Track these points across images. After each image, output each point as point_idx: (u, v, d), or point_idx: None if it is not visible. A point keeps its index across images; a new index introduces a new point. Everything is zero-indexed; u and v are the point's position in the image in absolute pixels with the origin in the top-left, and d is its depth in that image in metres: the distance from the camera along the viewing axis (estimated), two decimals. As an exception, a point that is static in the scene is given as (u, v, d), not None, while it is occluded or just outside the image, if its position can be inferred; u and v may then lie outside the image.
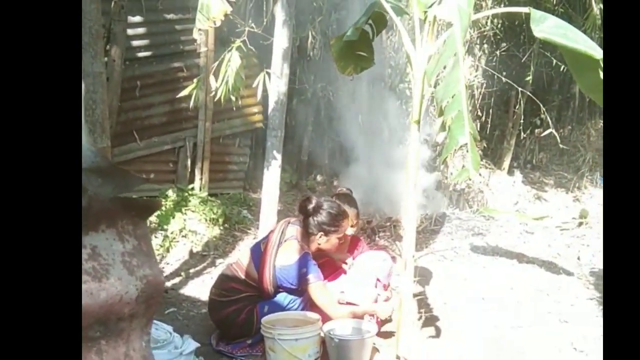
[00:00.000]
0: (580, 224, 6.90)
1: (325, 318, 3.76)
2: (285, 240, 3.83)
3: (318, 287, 3.74)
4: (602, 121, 9.79)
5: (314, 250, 3.88)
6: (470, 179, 3.05)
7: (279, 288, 3.80)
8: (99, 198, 1.71)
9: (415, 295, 4.47)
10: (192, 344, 3.46)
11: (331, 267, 4.19)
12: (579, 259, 5.78)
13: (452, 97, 3.02)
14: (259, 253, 3.84)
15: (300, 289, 3.80)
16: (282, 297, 3.80)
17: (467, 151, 3.06)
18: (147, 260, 1.84)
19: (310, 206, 3.85)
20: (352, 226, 4.19)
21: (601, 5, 7.10)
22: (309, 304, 3.87)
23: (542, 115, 7.75)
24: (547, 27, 3.19)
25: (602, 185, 8.45)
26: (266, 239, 3.92)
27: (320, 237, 3.86)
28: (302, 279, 3.72)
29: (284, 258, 3.76)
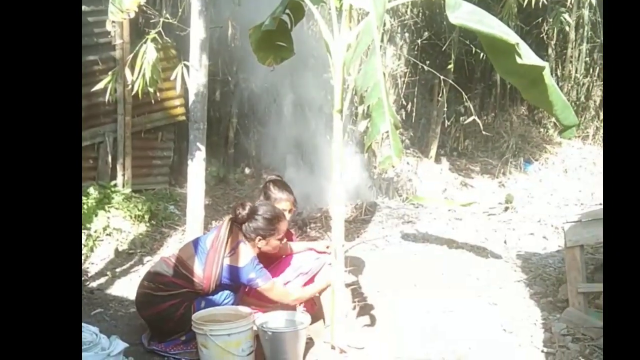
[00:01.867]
0: (507, 208, 7.05)
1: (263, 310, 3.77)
2: (236, 242, 3.73)
3: (269, 288, 3.70)
4: (523, 107, 10.08)
5: (256, 253, 3.79)
6: (393, 166, 3.04)
7: (219, 285, 3.71)
8: None
9: (348, 285, 4.47)
10: (120, 345, 3.35)
11: (271, 260, 4.12)
12: (505, 242, 5.89)
13: (372, 85, 3.00)
14: (204, 249, 3.73)
15: (238, 286, 3.75)
16: (219, 294, 3.72)
17: (386, 138, 3.05)
18: None
19: (244, 212, 3.75)
20: (289, 212, 4.18)
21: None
22: (241, 298, 3.84)
23: (466, 103, 7.87)
24: (463, 13, 3.22)
25: (525, 170, 8.68)
26: (211, 236, 3.80)
27: (259, 241, 3.78)
28: (250, 282, 3.67)
29: (234, 259, 3.68)
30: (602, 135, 9.22)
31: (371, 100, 3.01)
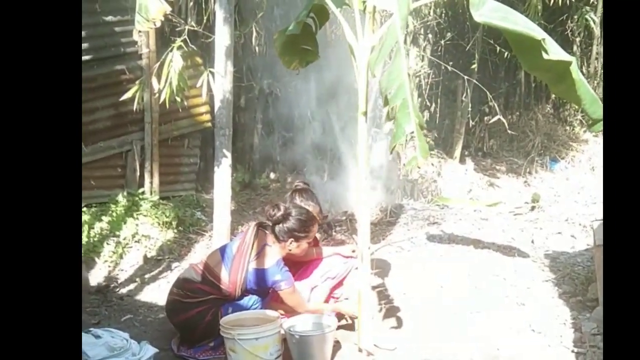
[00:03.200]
0: (533, 207, 6.99)
1: (289, 315, 3.79)
2: (262, 245, 3.78)
3: (289, 292, 3.74)
4: (548, 106, 9.98)
5: (284, 256, 3.83)
6: (419, 167, 3.05)
7: (246, 291, 3.75)
8: None
9: (374, 288, 4.48)
10: (150, 350, 3.41)
11: (300, 265, 4.15)
12: (533, 242, 5.84)
13: (396, 86, 3.01)
14: (230, 255, 3.78)
15: (266, 291, 3.78)
16: (246, 299, 3.76)
17: (410, 140, 3.06)
18: None
19: (279, 213, 3.78)
20: None
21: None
22: (270, 302, 3.86)
23: (490, 103, 7.83)
24: (487, 10, 3.22)
25: (551, 169, 8.61)
26: (238, 242, 3.85)
27: (290, 243, 3.81)
28: (275, 284, 3.70)
29: (260, 262, 3.72)
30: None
31: (396, 101, 3.01)
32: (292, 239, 3.80)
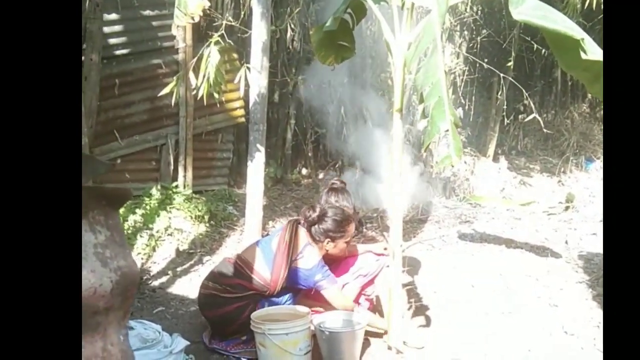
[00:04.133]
0: (567, 208, 6.92)
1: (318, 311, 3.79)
2: (304, 245, 3.78)
3: (333, 291, 3.75)
4: (584, 105, 9.84)
5: (322, 255, 3.84)
6: (452, 166, 3.02)
7: (284, 288, 3.77)
8: None
9: (404, 285, 4.46)
10: (181, 342, 3.43)
11: (332, 262, 4.16)
12: (566, 242, 5.78)
13: (432, 83, 2.99)
14: (269, 253, 3.79)
15: (298, 289, 3.80)
16: (282, 296, 3.78)
17: (443, 137, 3.04)
18: (120, 251, 1.79)
19: (315, 214, 3.79)
20: None
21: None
22: (300, 299, 3.87)
23: (525, 101, 7.75)
24: (526, 9, 3.17)
25: (587, 168, 8.49)
26: (276, 239, 3.85)
27: (327, 243, 3.82)
28: (317, 284, 3.72)
29: (302, 262, 3.72)
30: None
31: (431, 98, 2.99)
32: (328, 239, 3.80)
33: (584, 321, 4.03)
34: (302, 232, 3.83)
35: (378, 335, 3.88)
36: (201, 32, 6.59)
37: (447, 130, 2.92)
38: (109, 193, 1.84)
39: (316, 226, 3.79)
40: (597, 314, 4.11)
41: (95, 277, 1.67)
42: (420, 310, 4.22)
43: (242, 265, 3.78)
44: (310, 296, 3.87)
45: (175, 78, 4.94)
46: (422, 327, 4.04)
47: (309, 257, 3.72)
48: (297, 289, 3.80)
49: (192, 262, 5.32)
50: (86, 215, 1.71)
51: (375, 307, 4.10)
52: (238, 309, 3.69)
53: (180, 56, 6.40)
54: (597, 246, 5.59)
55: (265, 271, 3.72)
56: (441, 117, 2.94)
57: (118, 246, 1.79)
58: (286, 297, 3.78)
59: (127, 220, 5.51)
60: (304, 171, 8.19)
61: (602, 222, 6.21)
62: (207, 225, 5.96)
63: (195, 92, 4.46)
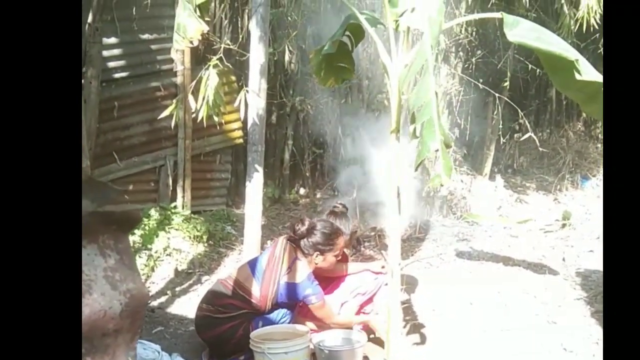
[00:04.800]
0: (564, 225, 6.95)
1: (319, 329, 3.81)
2: (293, 259, 3.80)
3: (319, 306, 3.77)
4: (579, 123, 9.91)
5: (314, 271, 3.86)
6: (442, 185, 3.04)
7: (275, 304, 3.78)
8: None
9: (402, 303, 4.48)
10: (181, 362, 3.44)
11: (331, 280, 4.18)
12: (564, 260, 5.81)
13: (423, 104, 3.03)
14: (260, 269, 3.81)
15: (294, 304, 3.81)
16: (276, 313, 3.79)
17: (436, 157, 3.07)
18: (130, 274, 1.82)
19: (303, 228, 3.83)
20: (346, 246, 4.21)
21: (574, 10, 7.19)
22: (298, 316, 3.89)
23: (521, 120, 7.82)
24: (521, 30, 3.22)
25: (582, 186, 8.54)
26: (267, 255, 3.88)
27: (316, 256, 3.85)
28: (305, 298, 3.73)
29: (291, 276, 3.75)
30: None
31: (422, 118, 3.03)
32: (317, 253, 3.83)
33: (583, 338, 4.04)
34: (292, 246, 3.86)
35: (378, 342, 3.89)
36: (199, 55, 6.66)
37: (437, 150, 2.96)
38: (118, 217, 1.88)
39: (305, 240, 3.83)
40: (595, 331, 4.13)
41: (105, 300, 1.71)
42: (416, 327, 4.23)
43: (234, 285, 3.81)
44: (309, 315, 3.89)
45: (175, 101, 4.99)
46: (418, 345, 4.05)
47: (299, 271, 3.74)
48: (291, 305, 3.81)
49: (190, 282, 5.33)
50: (96, 239, 1.75)
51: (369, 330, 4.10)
52: (232, 329, 3.70)
53: (178, 79, 6.46)
54: (594, 263, 5.61)
55: (255, 288, 3.75)
56: (431, 137, 2.96)
57: (127, 269, 1.83)
58: (282, 313, 3.79)
59: (126, 241, 5.51)
60: (302, 191, 8.23)
61: (599, 239, 6.25)
62: (206, 245, 5.99)
63: (195, 114, 4.50)
